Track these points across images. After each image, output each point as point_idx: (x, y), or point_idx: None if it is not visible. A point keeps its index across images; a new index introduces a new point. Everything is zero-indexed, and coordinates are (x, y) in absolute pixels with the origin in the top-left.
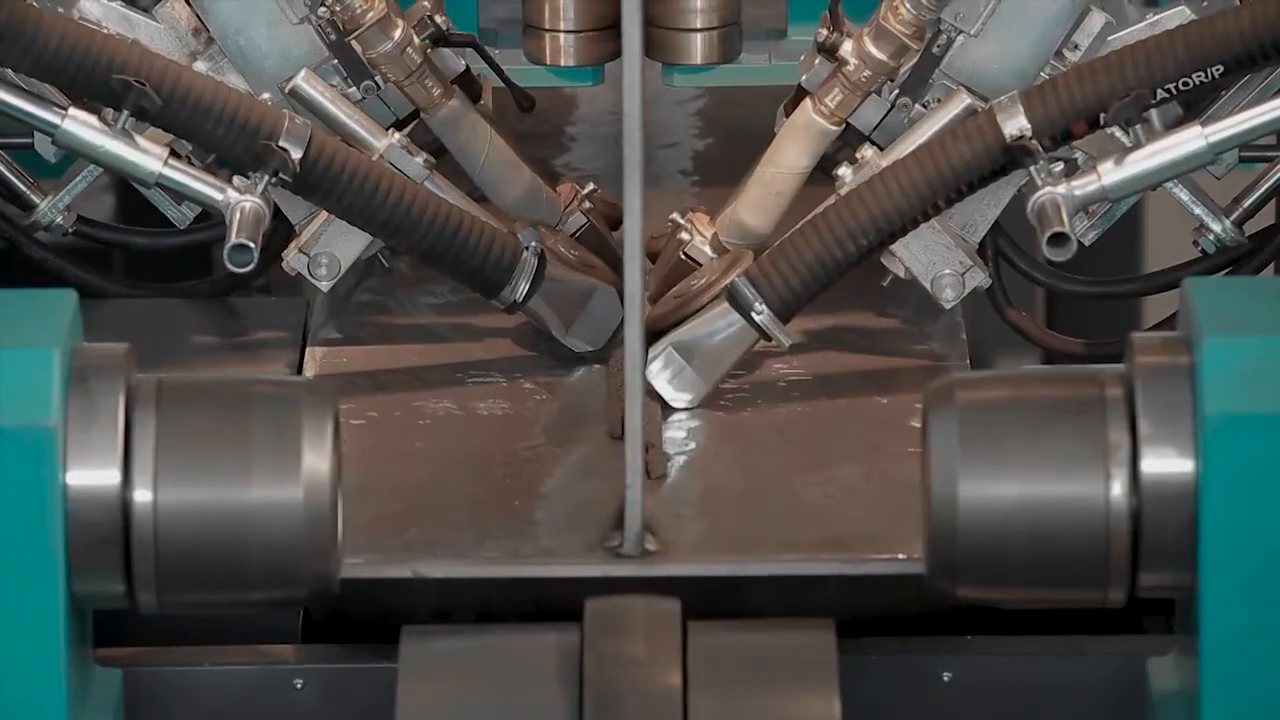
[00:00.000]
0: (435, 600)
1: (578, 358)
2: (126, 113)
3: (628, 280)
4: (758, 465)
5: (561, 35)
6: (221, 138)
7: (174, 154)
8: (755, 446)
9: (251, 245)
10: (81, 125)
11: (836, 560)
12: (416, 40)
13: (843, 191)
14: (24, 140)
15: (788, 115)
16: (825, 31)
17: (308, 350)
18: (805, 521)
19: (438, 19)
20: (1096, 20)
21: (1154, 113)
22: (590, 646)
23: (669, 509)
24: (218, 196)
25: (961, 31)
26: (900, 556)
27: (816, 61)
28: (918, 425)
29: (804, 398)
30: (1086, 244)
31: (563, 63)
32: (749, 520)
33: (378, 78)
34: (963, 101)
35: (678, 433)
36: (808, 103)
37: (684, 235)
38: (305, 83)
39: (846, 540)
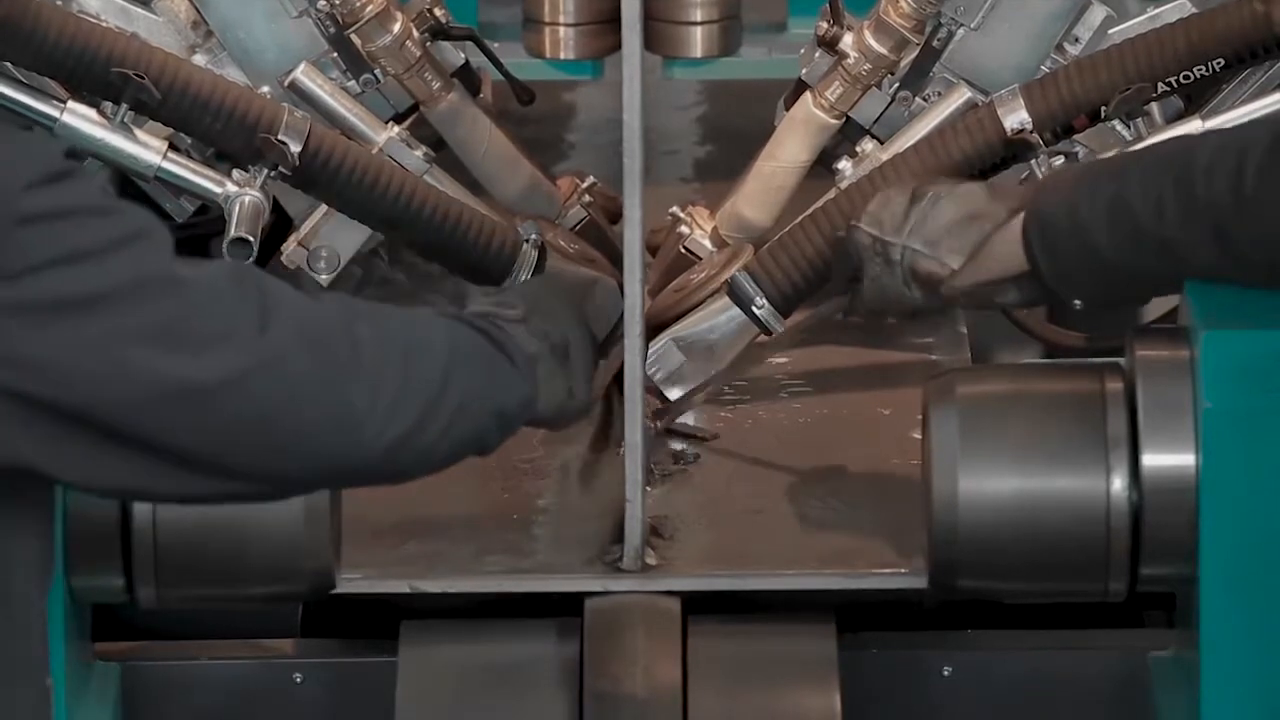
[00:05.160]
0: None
1: None
2: (125, 106)
3: (628, 293)
4: (758, 477)
5: (561, 29)
6: (220, 131)
7: (173, 147)
8: (756, 458)
9: (251, 239)
10: (80, 119)
11: (839, 574)
12: (415, 34)
13: (843, 185)
14: None
15: (788, 109)
16: (825, 25)
17: None
18: (807, 535)
19: (437, 12)
20: (1097, 14)
21: (1155, 106)
22: (590, 642)
23: (669, 522)
24: (217, 190)
25: (962, 25)
26: (903, 570)
27: (816, 55)
28: (919, 436)
29: (805, 406)
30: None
31: (562, 56)
32: (750, 533)
33: (377, 71)
34: (963, 95)
35: (677, 444)
36: (808, 96)
37: (683, 229)
38: (304, 76)
39: (849, 554)
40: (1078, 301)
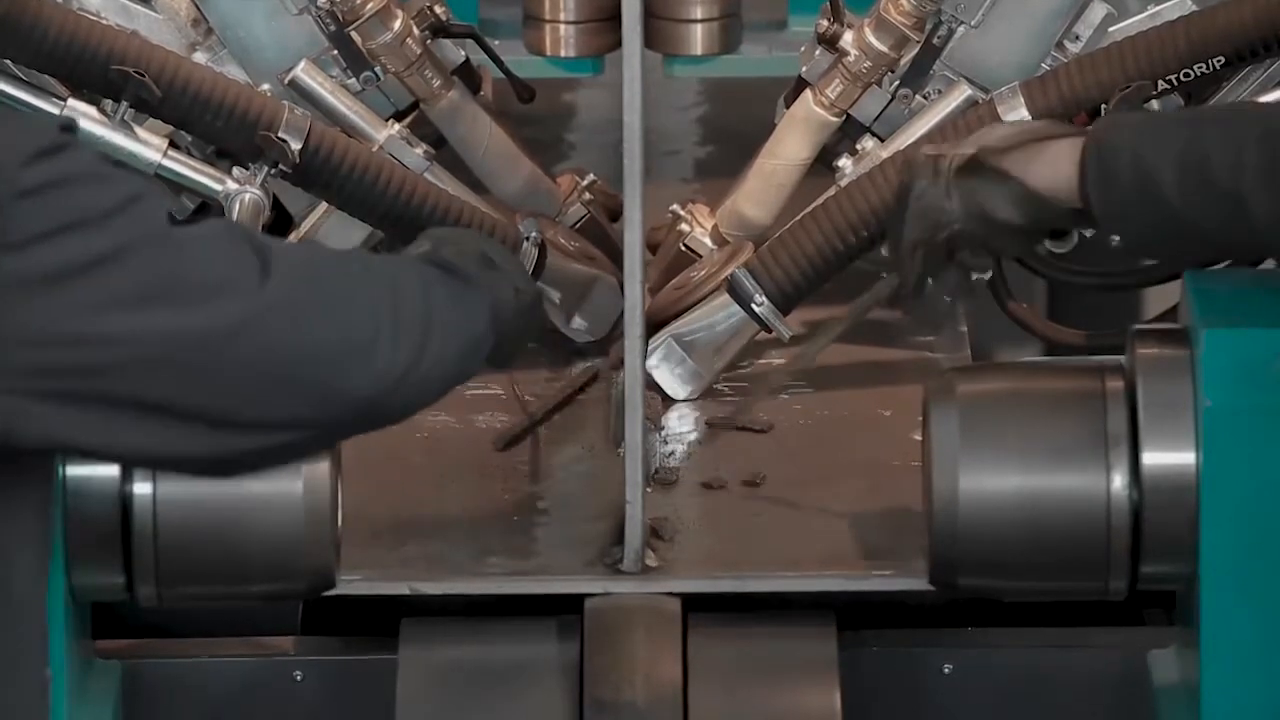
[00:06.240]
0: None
1: (581, 366)
2: (125, 104)
3: (628, 293)
4: (758, 479)
5: (561, 26)
6: (221, 129)
7: (173, 145)
8: (756, 460)
9: None
10: (80, 116)
11: (839, 576)
12: (416, 31)
13: (843, 183)
14: None
15: (788, 107)
16: (825, 22)
17: None
18: (807, 536)
19: (437, 10)
20: (1097, 11)
21: (1155, 104)
22: (590, 645)
23: (669, 524)
24: (217, 187)
25: (962, 22)
26: (904, 572)
27: (817, 53)
28: (919, 438)
29: (805, 407)
30: (1088, 235)
31: (563, 54)
32: (749, 535)
33: (377, 69)
34: (963, 93)
35: (678, 446)
36: (808, 94)
37: (684, 227)
38: (305, 74)
39: (849, 555)
40: (1116, 238)
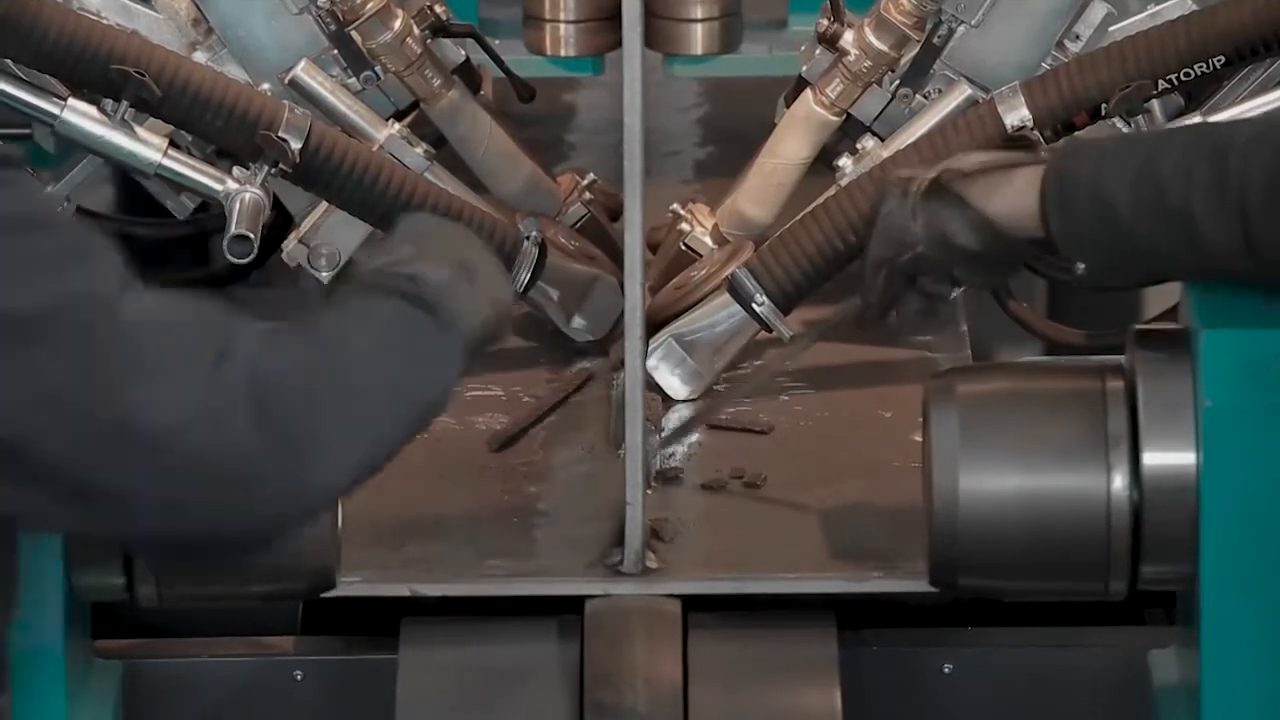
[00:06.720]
0: None
1: (577, 367)
2: (126, 103)
3: (628, 294)
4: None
5: (562, 25)
6: (221, 129)
7: (174, 144)
8: (757, 461)
9: (251, 236)
10: (80, 115)
11: (839, 577)
12: (416, 30)
13: (843, 183)
14: (23, 130)
15: (788, 106)
16: (826, 22)
17: None
18: (807, 537)
19: (437, 9)
20: (1098, 11)
21: (1155, 104)
22: (590, 647)
23: (669, 525)
24: (217, 187)
25: (962, 22)
26: (904, 573)
27: (817, 52)
28: (919, 439)
29: (805, 407)
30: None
31: (563, 53)
32: (750, 536)
33: (377, 68)
34: (963, 92)
35: (678, 448)
36: (808, 93)
37: (684, 226)
38: (305, 73)
39: (849, 556)
40: (1081, 265)
